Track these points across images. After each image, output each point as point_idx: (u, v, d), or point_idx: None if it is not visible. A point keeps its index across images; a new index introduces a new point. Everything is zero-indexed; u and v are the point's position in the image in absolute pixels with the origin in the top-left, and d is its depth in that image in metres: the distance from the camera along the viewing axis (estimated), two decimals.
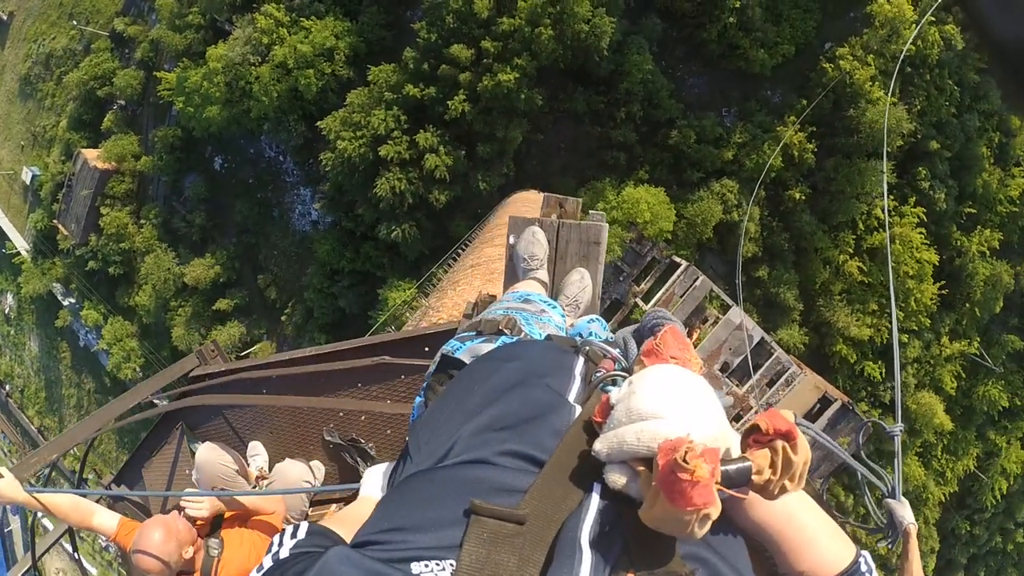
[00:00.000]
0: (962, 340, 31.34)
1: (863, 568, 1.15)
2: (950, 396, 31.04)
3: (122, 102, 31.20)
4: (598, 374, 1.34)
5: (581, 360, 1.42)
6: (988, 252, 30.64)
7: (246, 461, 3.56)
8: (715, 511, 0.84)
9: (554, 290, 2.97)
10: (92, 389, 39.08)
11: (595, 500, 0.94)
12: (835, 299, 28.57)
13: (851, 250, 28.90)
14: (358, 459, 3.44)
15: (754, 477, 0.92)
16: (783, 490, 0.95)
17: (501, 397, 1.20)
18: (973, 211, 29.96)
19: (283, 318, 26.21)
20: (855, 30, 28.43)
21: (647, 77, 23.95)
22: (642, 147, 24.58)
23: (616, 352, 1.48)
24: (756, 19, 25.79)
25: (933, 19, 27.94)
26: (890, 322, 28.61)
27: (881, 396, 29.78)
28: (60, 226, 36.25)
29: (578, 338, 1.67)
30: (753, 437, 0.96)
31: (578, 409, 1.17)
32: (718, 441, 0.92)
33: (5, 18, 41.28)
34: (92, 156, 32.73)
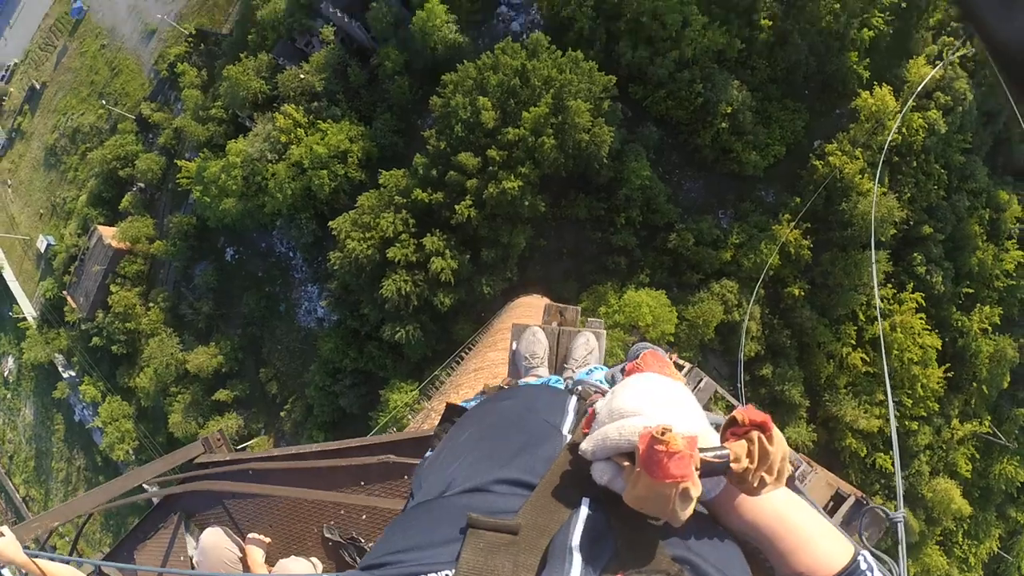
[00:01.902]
0: (973, 420, 30.83)
1: (863, 566, 1.12)
2: (966, 479, 30.28)
3: (142, 185, 32.35)
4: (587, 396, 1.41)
5: (574, 398, 1.50)
6: (990, 329, 30.52)
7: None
8: (694, 489, 0.88)
9: (560, 356, 3.04)
10: (83, 466, 38.24)
11: (584, 511, 1.01)
12: (841, 393, 28.31)
13: (853, 342, 28.88)
14: (357, 558, 3.33)
15: (732, 465, 0.96)
16: (763, 483, 0.98)
17: (497, 431, 1.26)
18: (971, 290, 30.15)
19: (282, 414, 26.02)
20: (842, 126, 29.69)
21: (645, 183, 24.86)
22: (642, 251, 25.17)
23: (606, 387, 1.55)
24: (747, 123, 27.05)
25: (915, 105, 29.33)
26: (897, 410, 28.43)
27: (895, 487, 29.00)
28: (69, 298, 36.69)
29: (570, 381, 1.76)
30: (731, 430, 1.00)
31: (569, 437, 1.22)
32: (696, 432, 0.96)
33: (38, 87, 43.52)
34: (108, 234, 33.60)
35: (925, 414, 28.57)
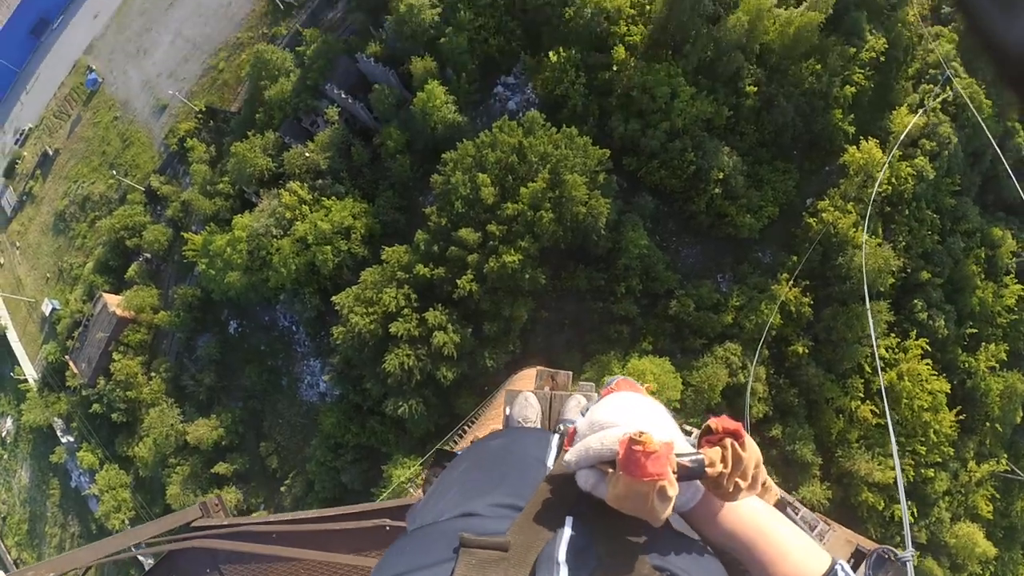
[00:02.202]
0: (989, 460, 30.33)
1: (840, 574, 1.14)
2: (988, 520, 29.62)
3: (148, 255, 32.90)
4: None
5: (557, 436, 1.60)
6: (997, 366, 30.28)
7: None
8: (671, 489, 0.94)
9: (553, 419, 3.05)
10: (77, 533, 37.37)
11: (567, 530, 1.08)
12: (853, 447, 27.86)
13: (861, 395, 28.58)
14: None
15: (708, 469, 1.01)
16: (738, 488, 1.02)
17: (485, 463, 1.35)
18: (975, 330, 30.09)
19: (283, 489, 25.67)
20: (832, 182, 30.30)
21: (643, 252, 25.28)
22: (644, 319, 25.36)
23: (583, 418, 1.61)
24: (739, 187, 27.67)
25: (901, 154, 29.98)
26: (912, 458, 27.87)
27: (917, 537, 28.17)
28: (71, 363, 36.69)
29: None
30: (706, 438, 1.06)
31: (553, 446, 1.36)
32: (672, 439, 1.04)
33: (51, 153, 44.74)
34: (113, 302, 33.93)
35: (940, 460, 28.10)
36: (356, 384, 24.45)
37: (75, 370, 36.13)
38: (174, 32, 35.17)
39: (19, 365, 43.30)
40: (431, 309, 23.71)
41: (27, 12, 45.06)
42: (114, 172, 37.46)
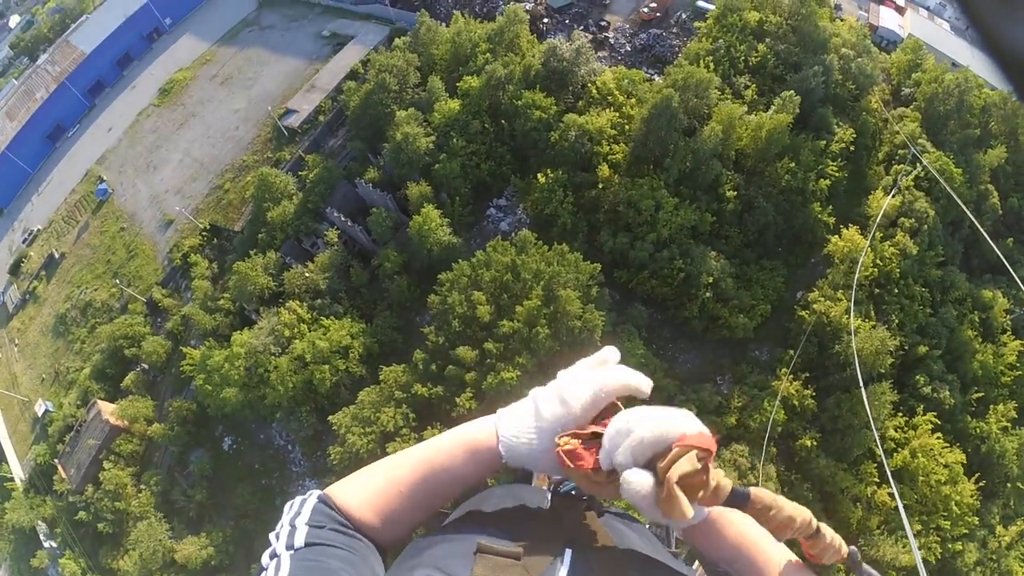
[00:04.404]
0: (1017, 521, 29.25)
1: None
2: None
3: (146, 366, 33.02)
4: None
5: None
6: (1009, 425, 29.72)
7: None
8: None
9: None
10: None
11: (567, 558, 1.20)
12: (875, 534, 26.88)
13: (876, 480, 27.91)
14: None
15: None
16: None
17: (486, 498, 1.56)
18: (981, 394, 29.81)
19: None
20: (820, 273, 31.01)
21: (640, 361, 25.58)
22: None
23: None
24: (729, 289, 28.43)
25: (882, 235, 30.79)
26: (937, 535, 26.69)
27: None
28: (60, 467, 35.80)
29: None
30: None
31: (549, 495, 1.59)
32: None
33: (57, 256, 45.76)
34: (107, 410, 33.64)
35: (967, 531, 27.21)
36: None
37: (63, 475, 35.24)
38: (183, 151, 37.23)
39: (7, 463, 42.19)
40: (429, 428, 23.63)
41: (45, 117, 47.76)
42: (117, 281, 38.32)
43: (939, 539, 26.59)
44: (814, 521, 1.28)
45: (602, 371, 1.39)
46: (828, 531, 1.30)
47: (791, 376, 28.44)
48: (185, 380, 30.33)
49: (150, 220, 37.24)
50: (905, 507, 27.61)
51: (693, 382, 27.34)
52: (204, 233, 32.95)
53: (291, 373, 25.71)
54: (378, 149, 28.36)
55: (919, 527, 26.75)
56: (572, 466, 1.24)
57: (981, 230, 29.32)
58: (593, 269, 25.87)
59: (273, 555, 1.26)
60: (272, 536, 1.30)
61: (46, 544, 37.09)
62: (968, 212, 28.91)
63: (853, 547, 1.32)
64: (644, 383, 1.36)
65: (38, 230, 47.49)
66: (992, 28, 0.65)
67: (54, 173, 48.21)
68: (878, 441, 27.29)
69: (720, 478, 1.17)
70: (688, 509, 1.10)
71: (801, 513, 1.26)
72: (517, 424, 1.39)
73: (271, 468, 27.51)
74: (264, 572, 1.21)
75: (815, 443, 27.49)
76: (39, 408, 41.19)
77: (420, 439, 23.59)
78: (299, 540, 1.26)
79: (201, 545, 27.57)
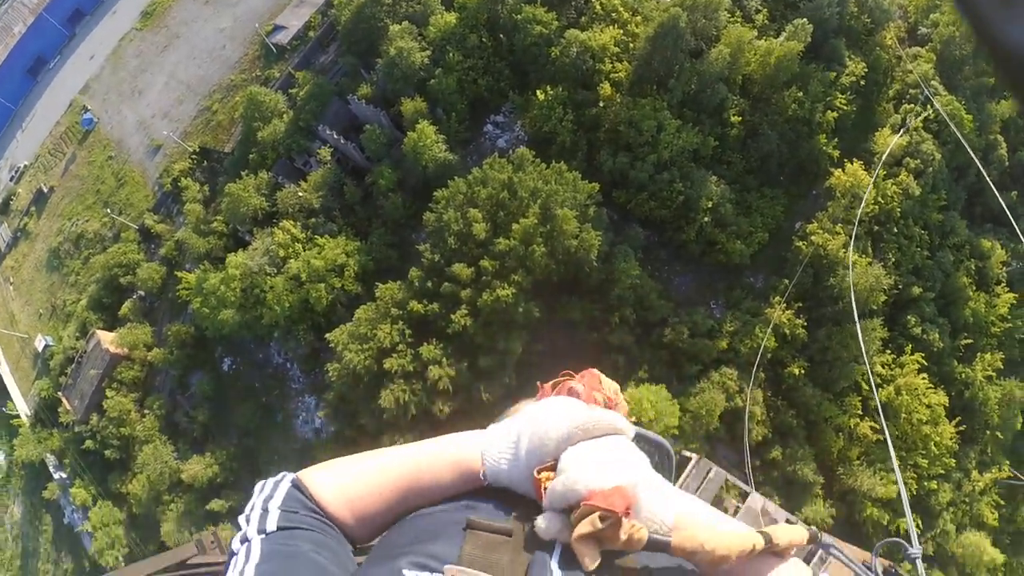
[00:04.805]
0: (992, 468, 30.53)
1: None
2: (994, 528, 29.64)
3: (142, 293, 32.95)
4: None
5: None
6: (994, 375, 30.54)
7: None
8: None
9: None
10: (70, 570, 36.66)
11: (556, 554, 1.19)
12: (854, 465, 27.92)
13: (860, 412, 28.70)
14: None
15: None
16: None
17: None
18: (970, 340, 30.42)
19: None
20: (820, 205, 30.85)
21: (636, 282, 25.61)
22: (639, 348, 25.56)
23: None
24: (728, 215, 28.17)
25: (887, 173, 30.57)
26: (914, 472, 27.85)
27: (924, 550, 28.15)
28: (64, 399, 36.41)
29: None
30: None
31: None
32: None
33: (45, 190, 44.97)
34: (106, 339, 33.84)
35: (943, 471, 28.18)
36: (351, 420, 24.44)
37: (68, 406, 35.84)
38: (168, 74, 35.82)
39: (11, 401, 42.90)
40: (425, 344, 23.84)
41: (24, 51, 45.85)
42: (108, 210, 37.70)
43: (916, 476, 27.50)
44: (758, 543, 1.22)
45: (585, 411, 1.37)
46: (782, 534, 1.26)
47: (784, 305, 28.62)
48: (182, 304, 30.33)
49: (138, 146, 36.27)
50: (886, 442, 28.40)
51: (687, 305, 27.46)
52: (194, 156, 32.15)
53: (287, 292, 25.66)
54: (371, 64, 27.28)
55: (897, 462, 27.54)
56: (541, 499, 1.25)
57: (987, 178, 28.83)
58: (591, 189, 25.43)
59: (244, 539, 1.19)
60: (242, 519, 1.23)
61: (56, 475, 38.18)
62: (976, 159, 28.37)
63: (812, 528, 1.31)
64: (626, 427, 1.35)
65: (25, 166, 46.37)
66: (989, 26, 0.63)
67: (37, 107, 46.66)
68: (871, 375, 27.78)
69: (634, 531, 1.15)
70: (588, 563, 1.12)
71: (738, 546, 1.19)
72: (500, 449, 1.38)
73: (271, 386, 27.93)
74: (235, 556, 1.15)
75: (803, 372, 27.97)
76: (39, 343, 41.45)
77: (417, 355, 23.85)
78: (271, 524, 1.20)
79: (206, 464, 28.33)
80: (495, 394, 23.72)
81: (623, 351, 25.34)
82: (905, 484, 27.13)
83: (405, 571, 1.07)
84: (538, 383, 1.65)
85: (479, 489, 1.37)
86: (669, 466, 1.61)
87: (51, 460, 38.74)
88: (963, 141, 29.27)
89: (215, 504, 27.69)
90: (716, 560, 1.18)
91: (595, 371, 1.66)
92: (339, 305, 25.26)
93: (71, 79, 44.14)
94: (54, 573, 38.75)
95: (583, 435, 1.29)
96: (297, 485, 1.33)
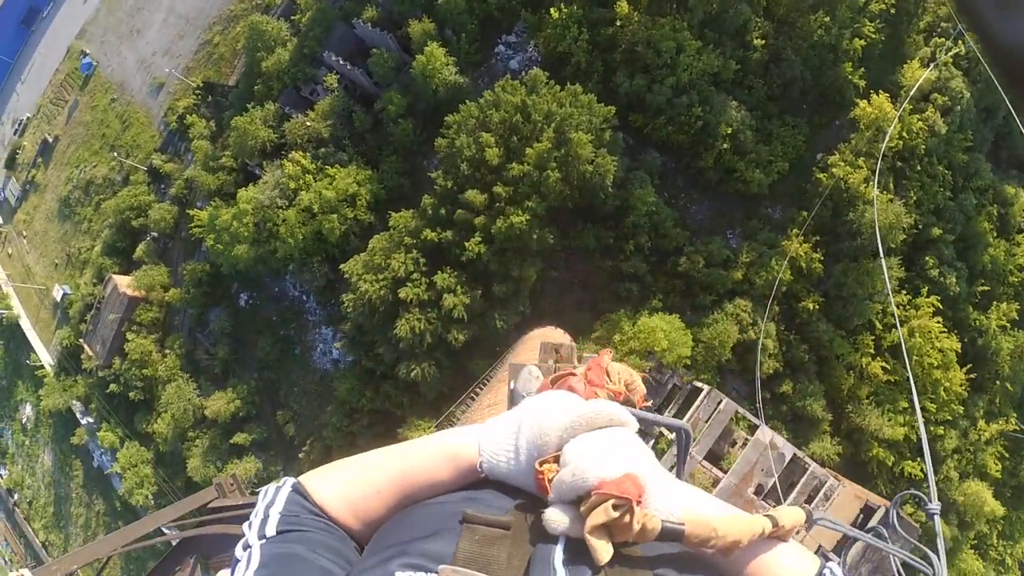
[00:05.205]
0: (999, 419, 30.46)
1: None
2: (997, 479, 29.84)
3: (155, 234, 32.97)
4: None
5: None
6: (1009, 325, 30.15)
7: None
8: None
9: None
10: (102, 511, 38.34)
11: (560, 547, 1.15)
12: (863, 403, 27.94)
13: (872, 351, 28.54)
14: None
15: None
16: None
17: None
18: (987, 288, 29.86)
19: (300, 455, 26.10)
20: (843, 137, 29.76)
21: (651, 209, 25.06)
22: (653, 276, 25.24)
23: None
24: (748, 142, 27.22)
25: (912, 108, 29.40)
26: (923, 415, 28.04)
27: (927, 493, 28.58)
28: (86, 346, 37.18)
29: None
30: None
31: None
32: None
33: (51, 140, 44.67)
34: (123, 283, 34.17)
35: (950, 418, 28.14)
36: (368, 350, 24.64)
37: (90, 352, 36.61)
38: (166, 9, 34.63)
39: (35, 352, 43.97)
40: (440, 272, 23.68)
41: (16, 2, 44.61)
42: (115, 154, 37.35)
43: (923, 419, 27.38)
44: (767, 526, 1.21)
45: (585, 403, 1.36)
46: (786, 516, 1.25)
47: (802, 238, 28.00)
48: (196, 243, 30.36)
49: (140, 87, 35.54)
50: (895, 383, 28.29)
51: (703, 234, 26.94)
52: (198, 92, 31.43)
53: (300, 225, 25.45)
54: None
55: (905, 404, 27.52)
56: (544, 492, 1.24)
57: (1018, 121, 27.36)
58: (607, 112, 24.53)
59: (246, 546, 1.19)
60: (245, 526, 1.23)
61: (83, 421, 39.37)
62: (1007, 100, 26.84)
63: (807, 507, 1.22)
64: (628, 419, 1.32)
65: (28, 118, 45.88)
66: (987, 24, 0.64)
67: (35, 57, 45.71)
68: (896, 314, 27.40)
69: (647, 520, 1.12)
70: (602, 556, 1.07)
71: (749, 530, 1.18)
72: (499, 443, 1.34)
73: (288, 319, 28.17)
74: (238, 563, 1.15)
75: (817, 307, 27.56)
76: (57, 293, 42.04)
77: (431, 284, 23.74)
78: (271, 529, 1.21)
79: (228, 399, 28.95)
80: (509, 321, 23.71)
81: (637, 279, 25.06)
82: (912, 427, 27.25)
83: (397, 574, 1.03)
84: (539, 356, 1.50)
85: (479, 482, 1.35)
86: (686, 445, 1.63)
87: (77, 407, 39.93)
88: (995, 80, 27.70)
89: (239, 438, 28.49)
90: (729, 545, 1.17)
91: (603, 361, 1.62)
92: (352, 236, 25.06)
93: (66, 25, 43.02)
94: (87, 516, 40.60)
95: (585, 426, 1.27)
96: (298, 490, 1.33)
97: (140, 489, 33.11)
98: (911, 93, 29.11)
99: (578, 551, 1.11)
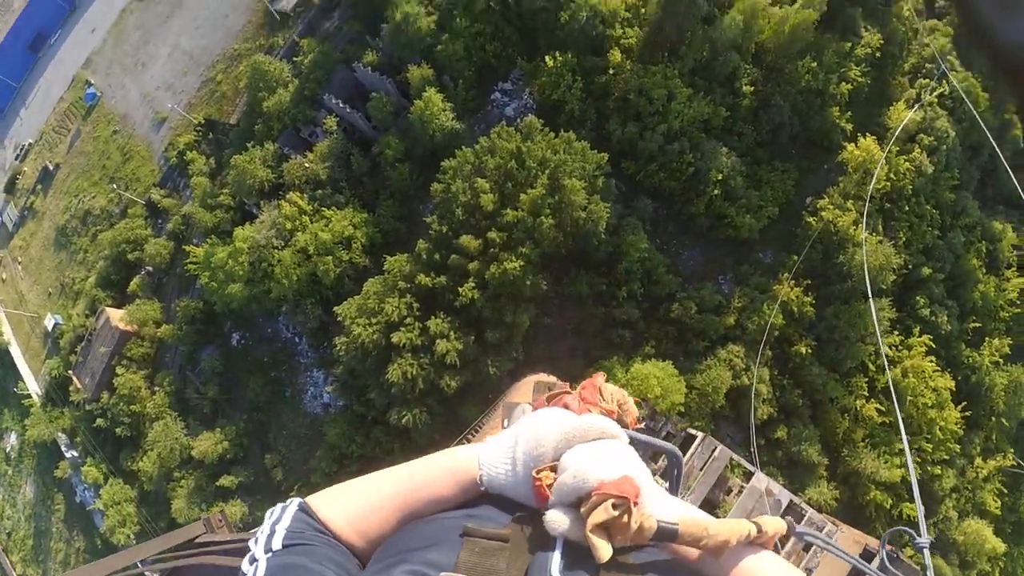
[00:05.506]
0: (996, 455, 30.32)
1: None
2: (996, 516, 29.57)
3: (150, 268, 32.92)
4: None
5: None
6: (1001, 360, 30.23)
7: None
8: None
9: None
10: (82, 548, 37.32)
11: (559, 548, 1.19)
12: (859, 447, 27.75)
13: (866, 393, 28.51)
14: None
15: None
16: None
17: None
18: (978, 324, 30.03)
19: None
20: (831, 180, 30.21)
21: (644, 255, 25.25)
22: (646, 323, 25.30)
23: None
24: (738, 188, 27.62)
25: (899, 149, 29.91)
26: (918, 456, 27.78)
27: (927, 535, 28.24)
28: (74, 378, 36.70)
29: None
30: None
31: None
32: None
33: (51, 168, 44.87)
34: (115, 316, 33.95)
35: (947, 457, 28.00)
36: (360, 394, 24.42)
37: (78, 385, 36.13)
38: (171, 45, 35.30)
39: (22, 380, 43.33)
40: (433, 318, 23.65)
41: (25, 27, 45.28)
42: (114, 186, 37.54)
43: (919, 460, 27.36)
44: (752, 529, 1.31)
45: (579, 417, 1.44)
46: (769, 524, 1.35)
47: (792, 282, 28.23)
48: (190, 279, 30.30)
49: (142, 120, 35.96)
50: (891, 424, 28.21)
51: (695, 280, 27.11)
52: (199, 128, 31.82)
53: (295, 266, 25.50)
54: (377, 30, 26.68)
55: (900, 445, 27.41)
56: (542, 499, 1.30)
57: (1002, 158, 28.07)
58: (600, 159, 24.92)
59: (252, 559, 1.25)
60: (251, 542, 1.28)
61: (67, 454, 38.62)
62: (991, 138, 27.58)
63: (788, 518, 1.41)
64: (619, 433, 1.40)
65: (29, 144, 46.17)
66: (988, 24, 0.67)
67: (40, 84, 46.26)
68: (884, 354, 27.45)
69: (644, 519, 1.18)
70: (603, 554, 1.12)
71: (737, 531, 1.28)
72: (497, 455, 1.42)
73: (280, 361, 27.96)
74: None
75: (810, 350, 27.67)
76: (48, 322, 41.68)
77: (424, 329, 23.70)
78: (277, 543, 1.26)
79: (216, 440, 28.52)
80: (502, 368, 23.60)
81: (630, 326, 25.09)
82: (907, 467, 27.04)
83: None
84: (532, 396, 1.60)
85: (479, 497, 1.40)
86: (679, 472, 1.69)
87: (62, 439, 39.20)
88: (978, 118, 28.51)
89: (225, 480, 27.97)
90: (719, 544, 1.24)
91: (596, 381, 1.68)
92: (347, 278, 25.10)
93: (73, 54, 43.67)
94: (66, 551, 39.47)
95: (580, 438, 1.34)
96: (304, 509, 1.39)
97: (122, 528, 32.31)
98: (896, 134, 29.79)
99: (575, 558, 1.16)
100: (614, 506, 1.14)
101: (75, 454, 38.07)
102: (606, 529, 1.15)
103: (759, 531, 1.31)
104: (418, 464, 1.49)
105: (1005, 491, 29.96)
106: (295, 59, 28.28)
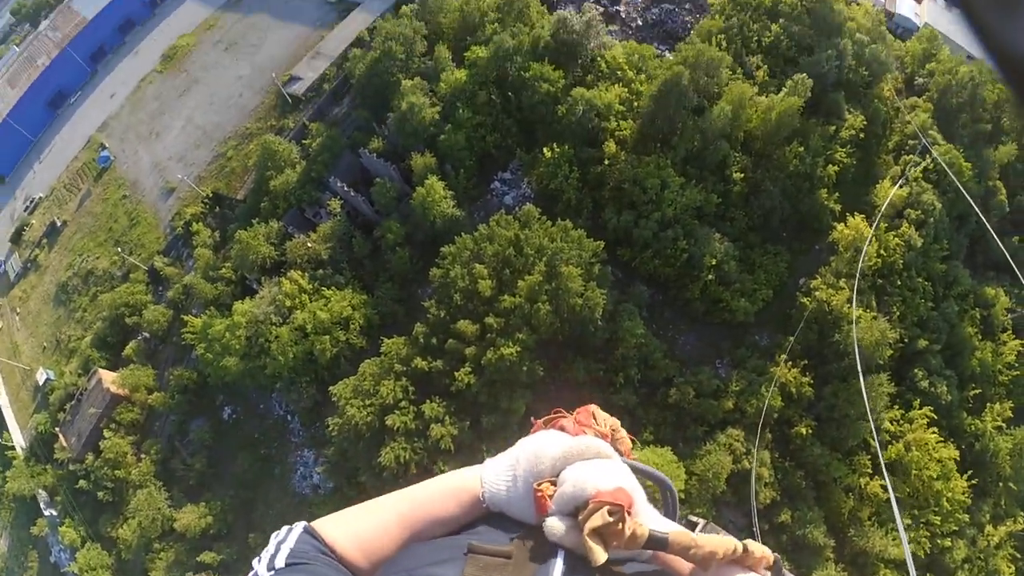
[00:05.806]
0: (1006, 521, 29.64)
1: None
2: None
3: (147, 335, 33.04)
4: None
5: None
6: (1005, 425, 29.88)
7: None
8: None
9: None
10: None
11: (559, 561, 1.24)
12: (865, 525, 27.16)
13: (869, 471, 28.04)
14: None
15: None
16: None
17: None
18: (978, 391, 29.91)
19: None
20: (823, 260, 30.78)
21: (640, 341, 25.53)
22: (643, 409, 25.32)
23: None
24: (732, 272, 28.21)
25: (888, 225, 30.58)
26: (927, 530, 27.00)
27: None
28: (61, 436, 36.09)
29: None
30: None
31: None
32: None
33: (59, 224, 45.60)
34: (107, 378, 33.76)
35: (956, 528, 27.47)
36: (351, 477, 24.09)
37: (64, 443, 35.52)
38: (186, 118, 36.79)
39: (8, 432, 42.53)
40: (428, 402, 23.69)
41: (47, 84, 47.13)
42: (119, 249, 38.16)
43: (929, 534, 26.84)
44: (738, 546, 1.38)
45: (576, 437, 1.54)
46: (755, 547, 1.41)
47: (790, 363, 28.41)
48: (186, 349, 30.37)
49: (152, 188, 36.99)
50: (897, 500, 27.64)
51: (692, 364, 27.29)
52: (206, 201, 32.72)
53: (292, 343, 25.69)
54: (383, 118, 27.99)
55: (909, 521, 27.01)
56: (542, 509, 1.39)
57: (988, 226, 28.96)
58: (596, 247, 25.66)
59: None
60: (255, 561, 1.34)
61: (46, 512, 37.52)
62: (976, 207, 28.54)
63: (777, 555, 1.44)
64: (612, 453, 1.51)
65: (40, 198, 47.20)
66: (990, 29, 0.64)
67: (56, 140, 47.79)
68: (875, 432, 27.32)
69: (637, 527, 1.27)
70: (599, 557, 1.21)
71: (723, 545, 1.35)
72: (498, 472, 1.52)
73: (270, 438, 27.67)
74: None
75: (810, 431, 27.57)
76: (40, 376, 41.36)
77: (419, 413, 23.67)
78: (280, 561, 1.32)
79: (200, 514, 27.86)
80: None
81: (628, 412, 25.08)
82: (918, 543, 26.42)
83: None
84: (532, 419, 1.79)
85: (480, 519, 1.48)
86: (673, 503, 1.72)
87: (43, 496, 38.14)
88: (962, 189, 29.50)
89: (207, 556, 27.12)
90: (707, 555, 1.31)
91: (591, 407, 1.79)
92: (343, 359, 25.24)
93: (90, 115, 45.34)
94: None
95: (577, 456, 1.44)
96: (309, 531, 1.44)
97: None
98: (883, 211, 30.65)
99: (574, 568, 1.22)
100: (610, 512, 1.23)
101: (54, 513, 36.97)
102: (601, 535, 1.23)
103: (745, 551, 1.36)
104: (420, 486, 1.57)
105: (1018, 555, 29.25)
106: (304, 141, 29.49)
